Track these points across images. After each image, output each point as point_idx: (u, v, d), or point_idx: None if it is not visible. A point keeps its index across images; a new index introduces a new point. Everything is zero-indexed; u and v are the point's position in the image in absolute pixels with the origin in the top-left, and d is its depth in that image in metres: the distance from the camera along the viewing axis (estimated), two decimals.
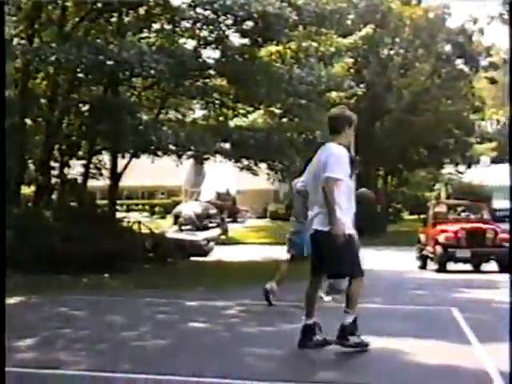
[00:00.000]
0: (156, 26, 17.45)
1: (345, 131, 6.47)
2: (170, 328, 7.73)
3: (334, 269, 6.37)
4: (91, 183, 19.37)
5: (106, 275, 13.28)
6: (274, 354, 6.24)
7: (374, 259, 19.45)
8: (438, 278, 15.50)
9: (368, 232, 32.88)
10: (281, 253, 22.12)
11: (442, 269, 16.92)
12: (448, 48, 40.76)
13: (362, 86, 20.40)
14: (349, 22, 31.50)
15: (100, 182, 19.75)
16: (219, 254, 22.59)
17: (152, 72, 14.27)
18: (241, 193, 49.44)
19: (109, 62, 13.43)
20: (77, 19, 16.52)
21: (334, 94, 18.47)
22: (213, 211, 41.75)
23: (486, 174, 47.74)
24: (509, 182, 48.84)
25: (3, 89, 2.50)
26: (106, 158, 19.56)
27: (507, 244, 18.02)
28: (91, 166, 18.91)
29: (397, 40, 39.66)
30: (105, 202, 20.44)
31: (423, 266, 18.50)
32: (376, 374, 5.57)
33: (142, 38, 17.28)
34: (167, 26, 17.12)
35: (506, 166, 57.40)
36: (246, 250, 25.47)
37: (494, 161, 55.91)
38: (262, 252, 23.42)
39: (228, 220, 40.21)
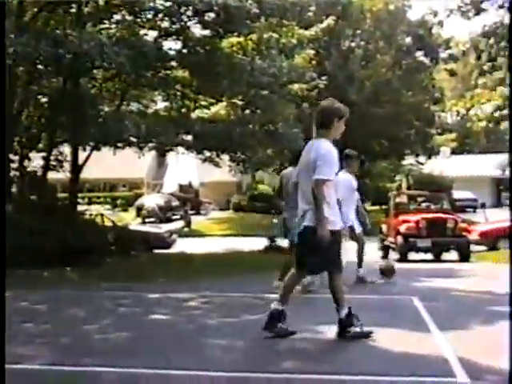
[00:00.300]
0: (117, 17, 17.28)
1: (334, 125, 6.37)
2: (132, 321, 7.71)
3: (317, 265, 6.42)
4: (51, 176, 19.15)
5: (68, 269, 13.18)
6: (236, 345, 6.26)
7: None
8: (400, 267, 15.65)
9: None
10: (243, 244, 22.17)
11: (403, 258, 17.14)
12: (408, 40, 41.16)
13: (323, 77, 20.47)
14: (310, 14, 31.60)
15: (61, 175, 19.53)
16: (182, 246, 22.56)
17: (112, 64, 14.15)
18: (203, 185, 49.36)
19: (68, 56, 13.26)
20: (35, 9, 16.27)
21: (296, 86, 18.52)
22: (175, 203, 41.78)
23: (446, 164, 48.41)
24: (470, 173, 49.65)
25: (3, 89, 2.45)
26: (66, 150, 19.35)
27: (467, 233, 18.36)
28: (51, 158, 18.69)
29: (358, 32, 39.90)
30: (66, 194, 20.24)
31: (385, 256, 18.71)
32: (337, 363, 5.63)
33: (103, 29, 17.10)
34: (128, 17, 16.97)
35: (466, 156, 58.38)
36: (209, 242, 25.49)
37: (453, 152, 56.76)
38: (224, 244, 23.48)
39: (191, 212, 40.18)
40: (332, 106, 6.47)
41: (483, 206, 32.99)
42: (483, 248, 19.58)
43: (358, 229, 11.16)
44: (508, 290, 10.03)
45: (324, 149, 6.24)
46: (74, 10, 16.76)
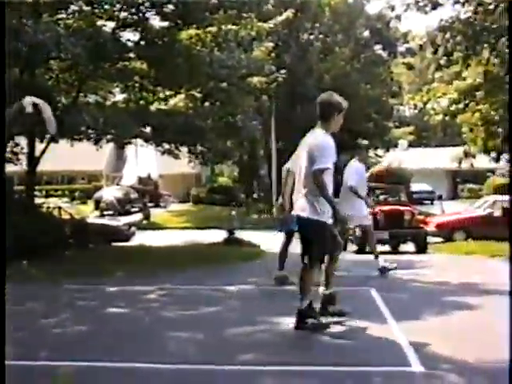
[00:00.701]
0: (74, 8, 17.05)
1: (334, 118, 6.48)
2: (91, 314, 7.67)
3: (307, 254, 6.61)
4: (8, 168, 18.83)
5: (25, 262, 13.02)
6: (195, 338, 6.27)
7: (295, 242, 19.71)
8: (358, 259, 15.81)
9: None
10: (202, 237, 22.10)
11: (361, 250, 17.29)
12: (367, 33, 41.45)
13: (282, 71, 20.50)
14: (269, 7, 31.62)
15: (17, 167, 19.24)
16: (141, 238, 22.43)
17: (69, 55, 13.97)
18: (163, 177, 49.13)
19: (24, 49, 13.05)
20: None
21: (255, 79, 18.52)
22: (134, 196, 41.47)
23: (403, 157, 48.96)
24: (427, 166, 50.24)
25: (4, 87, 2.46)
26: (22, 142, 19.05)
27: (424, 225, 18.64)
28: (7, 150, 18.37)
29: (316, 25, 40.04)
30: (23, 187, 19.95)
31: (344, 248, 18.81)
32: (295, 354, 5.68)
33: (59, 20, 16.86)
34: (85, 8, 16.76)
35: (423, 149, 59.11)
36: (168, 235, 25.39)
37: (411, 144, 57.45)
38: (183, 236, 23.42)
39: (150, 205, 39.96)
40: (332, 100, 6.53)
41: (440, 198, 33.56)
42: (439, 239, 19.89)
43: (368, 220, 11.26)
44: (461, 280, 10.25)
45: (321, 140, 6.36)
46: (29, 0, 16.49)
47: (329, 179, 6.41)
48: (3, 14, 2.23)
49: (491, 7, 16.61)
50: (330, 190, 6.47)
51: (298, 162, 6.72)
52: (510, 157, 20.14)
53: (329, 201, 6.29)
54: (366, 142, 11.60)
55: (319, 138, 6.38)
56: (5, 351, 4.69)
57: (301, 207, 6.43)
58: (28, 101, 2.91)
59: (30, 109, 2.96)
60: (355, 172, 10.65)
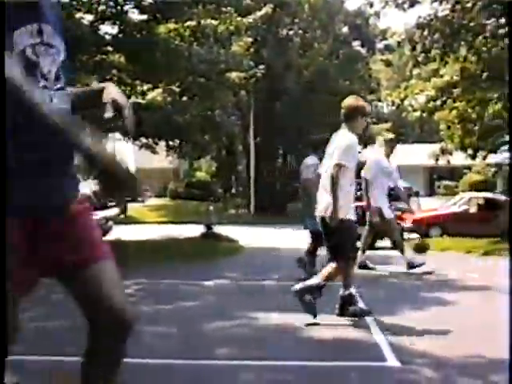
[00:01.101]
0: None
1: (358, 121, 6.75)
2: (66, 309, 7.56)
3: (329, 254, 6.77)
4: None
5: None
6: (171, 333, 6.25)
7: (273, 237, 19.73)
8: None
9: (268, 210, 33.36)
10: (180, 231, 22.07)
11: None
12: (345, 30, 41.52)
13: (261, 66, 20.48)
14: (248, 2, 31.53)
15: None
16: (118, 233, 22.32)
17: None
18: (140, 171, 48.84)
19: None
20: None
21: (233, 75, 18.49)
22: None
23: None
24: (404, 162, 50.50)
25: (4, 88, 2.39)
26: None
27: (400, 221, 18.70)
28: None
29: (296, 20, 40.02)
30: None
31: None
32: (270, 349, 5.68)
33: None
34: (64, 0, 16.62)
35: (401, 146, 59.24)
36: (146, 229, 25.30)
37: None
38: (161, 231, 23.36)
39: (127, 199, 39.70)
40: (357, 105, 6.82)
41: (417, 194, 33.71)
42: (416, 236, 19.98)
43: (388, 214, 11.17)
44: (437, 276, 10.33)
45: (345, 139, 6.62)
46: None
47: (349, 176, 6.57)
48: (3, 14, 2.16)
49: (469, 5, 16.71)
50: (349, 188, 6.61)
51: (325, 163, 6.88)
52: (510, 155, 20.27)
53: (334, 196, 6.42)
54: (390, 135, 11.74)
55: (344, 138, 6.63)
56: (6, 347, 4.65)
57: (326, 207, 6.57)
58: (109, 105, 2.58)
59: (110, 114, 2.65)
60: (373, 165, 10.69)
